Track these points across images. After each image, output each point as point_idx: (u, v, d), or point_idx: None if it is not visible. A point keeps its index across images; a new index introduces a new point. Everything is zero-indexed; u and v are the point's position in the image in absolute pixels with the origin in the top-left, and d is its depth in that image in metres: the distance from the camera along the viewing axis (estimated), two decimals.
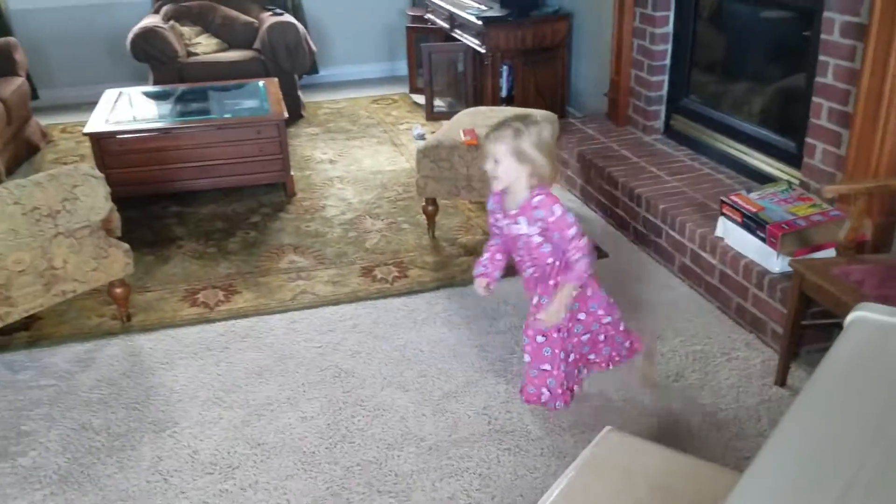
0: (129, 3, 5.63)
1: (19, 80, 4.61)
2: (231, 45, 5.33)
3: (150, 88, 4.60)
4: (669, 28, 3.72)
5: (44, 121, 5.06)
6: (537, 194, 2.12)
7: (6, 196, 2.38)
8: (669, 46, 3.75)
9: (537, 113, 3.26)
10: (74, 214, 2.54)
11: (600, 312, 2.32)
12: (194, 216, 3.76)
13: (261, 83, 4.43)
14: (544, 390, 2.29)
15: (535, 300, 2.27)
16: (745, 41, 3.49)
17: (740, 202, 2.72)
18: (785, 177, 3.03)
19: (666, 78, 3.82)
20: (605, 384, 2.44)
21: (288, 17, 5.20)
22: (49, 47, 5.60)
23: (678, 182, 3.37)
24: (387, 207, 3.82)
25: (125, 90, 4.38)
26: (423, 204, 3.46)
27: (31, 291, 2.52)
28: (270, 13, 5.37)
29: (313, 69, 6.03)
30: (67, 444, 2.27)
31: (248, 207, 3.85)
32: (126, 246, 2.77)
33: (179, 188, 3.84)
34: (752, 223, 2.63)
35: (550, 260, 2.21)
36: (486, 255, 2.34)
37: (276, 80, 4.52)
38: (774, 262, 2.58)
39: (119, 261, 2.74)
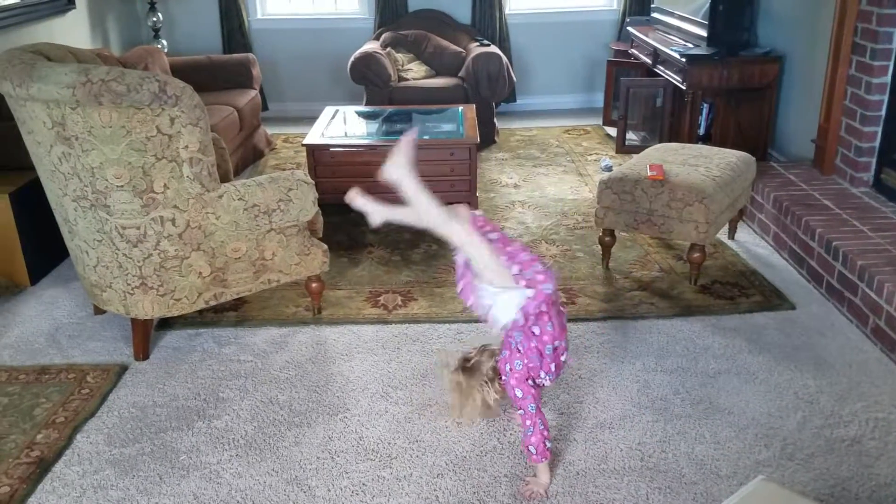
0: (355, 29, 6.20)
1: (253, 93, 5.23)
2: (439, 73, 5.69)
3: (363, 108, 5.03)
4: (888, 78, 3.49)
5: (270, 130, 5.71)
6: None
7: (233, 193, 2.76)
8: (886, 97, 3.51)
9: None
10: (286, 214, 2.87)
11: None
12: (386, 226, 4.04)
13: (460, 109, 4.70)
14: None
15: None
16: None
17: None
18: None
19: (879, 129, 3.57)
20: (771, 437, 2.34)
21: (493, 49, 5.46)
22: (281, 64, 6.30)
23: (881, 239, 3.13)
24: (564, 234, 3.90)
25: (341, 108, 4.83)
26: (601, 234, 3.50)
27: (242, 276, 2.88)
28: (478, 44, 5.67)
29: (512, 98, 6.26)
30: (256, 413, 2.56)
31: None
32: (325, 246, 3.07)
33: (378, 199, 4.16)
34: None
35: None
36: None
37: (473, 106, 4.76)
38: None
39: (318, 259, 3.05)
